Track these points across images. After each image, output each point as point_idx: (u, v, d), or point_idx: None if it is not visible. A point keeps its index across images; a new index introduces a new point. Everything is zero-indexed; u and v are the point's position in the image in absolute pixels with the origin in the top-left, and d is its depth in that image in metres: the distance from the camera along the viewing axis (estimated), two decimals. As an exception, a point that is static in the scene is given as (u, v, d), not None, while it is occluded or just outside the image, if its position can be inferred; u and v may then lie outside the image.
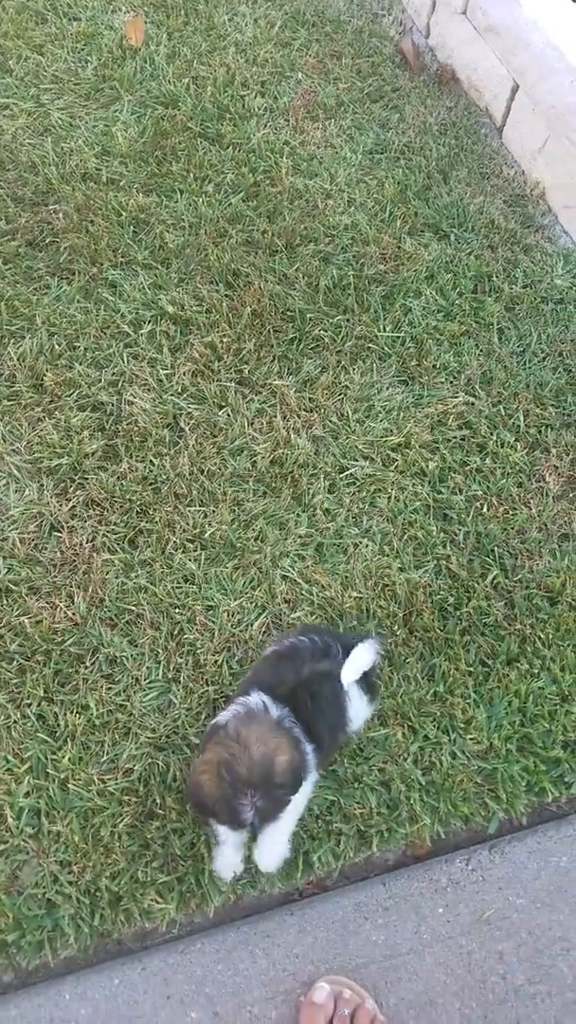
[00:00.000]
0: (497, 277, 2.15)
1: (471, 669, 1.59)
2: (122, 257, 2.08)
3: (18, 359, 1.89)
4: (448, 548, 1.72)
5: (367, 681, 1.41)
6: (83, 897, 1.35)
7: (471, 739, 1.52)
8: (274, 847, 1.34)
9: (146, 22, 2.63)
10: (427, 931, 1.39)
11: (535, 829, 1.50)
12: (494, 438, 1.88)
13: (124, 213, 2.15)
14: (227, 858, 1.36)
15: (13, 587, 1.61)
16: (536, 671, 1.59)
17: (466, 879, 1.44)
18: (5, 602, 1.59)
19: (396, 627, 1.62)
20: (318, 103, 2.47)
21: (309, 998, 1.31)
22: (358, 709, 1.39)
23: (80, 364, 1.90)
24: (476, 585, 1.68)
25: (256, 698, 1.25)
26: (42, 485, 1.74)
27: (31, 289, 2.01)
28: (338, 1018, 1.28)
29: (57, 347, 1.92)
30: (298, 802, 1.28)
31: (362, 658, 1.33)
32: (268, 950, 1.37)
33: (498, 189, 2.35)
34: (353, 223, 2.20)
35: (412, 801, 1.46)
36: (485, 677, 1.59)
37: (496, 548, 1.73)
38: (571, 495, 1.82)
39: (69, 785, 1.43)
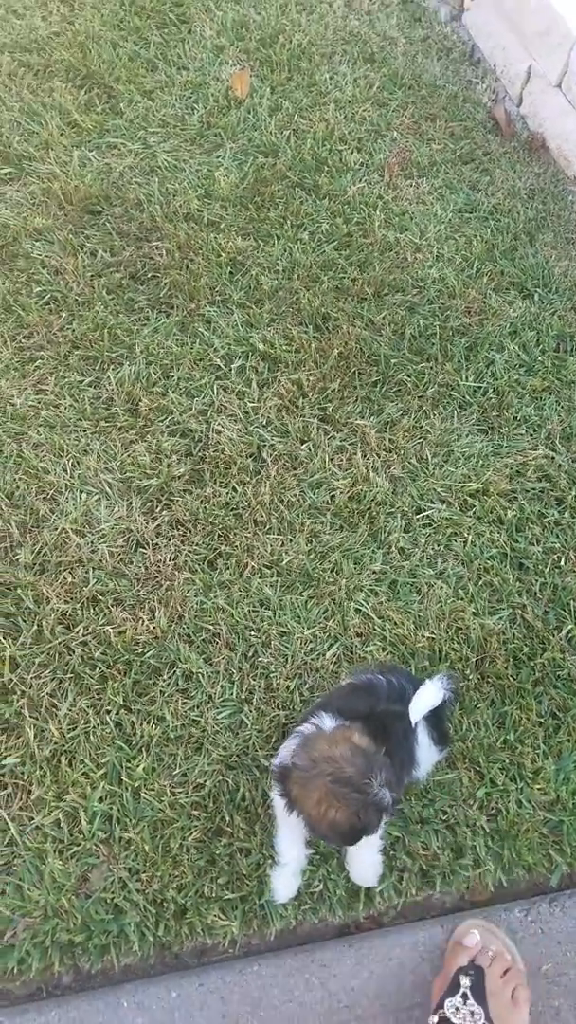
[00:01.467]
0: (579, 337, 2.20)
1: (542, 720, 1.60)
2: (218, 295, 2.19)
3: (116, 384, 1.98)
4: (523, 597, 1.75)
5: (438, 727, 1.44)
6: (149, 906, 1.39)
7: (539, 789, 1.53)
8: (371, 860, 1.36)
9: (251, 75, 2.77)
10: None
11: (597, 886, 1.49)
12: (573, 493, 1.91)
13: (223, 254, 2.25)
14: (286, 880, 1.38)
15: (100, 597, 1.67)
16: (606, 726, 1.60)
17: (525, 930, 1.44)
18: (92, 611, 1.66)
19: (468, 671, 1.64)
20: (412, 162, 2.58)
21: (458, 940, 1.35)
22: (426, 753, 1.41)
23: (173, 392, 1.99)
24: (551, 637, 1.70)
25: (310, 724, 1.27)
26: (131, 503, 1.81)
27: (132, 319, 2.12)
28: (482, 956, 1.31)
29: (153, 375, 2.01)
30: None
31: (430, 694, 1.36)
32: (325, 980, 1.38)
33: (583, 254, 2.43)
34: (440, 277, 2.28)
35: (476, 846, 1.47)
36: (556, 729, 1.60)
37: (573, 602, 1.75)
38: None
39: (142, 794, 1.47)
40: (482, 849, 1.47)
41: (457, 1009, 1.21)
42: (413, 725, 1.36)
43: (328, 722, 1.26)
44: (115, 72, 2.72)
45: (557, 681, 1.65)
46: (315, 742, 1.21)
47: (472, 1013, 1.21)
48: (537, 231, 2.44)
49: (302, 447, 1.94)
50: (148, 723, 1.54)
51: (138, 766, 1.49)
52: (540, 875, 1.48)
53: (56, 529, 1.74)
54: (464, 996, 1.23)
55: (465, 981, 1.25)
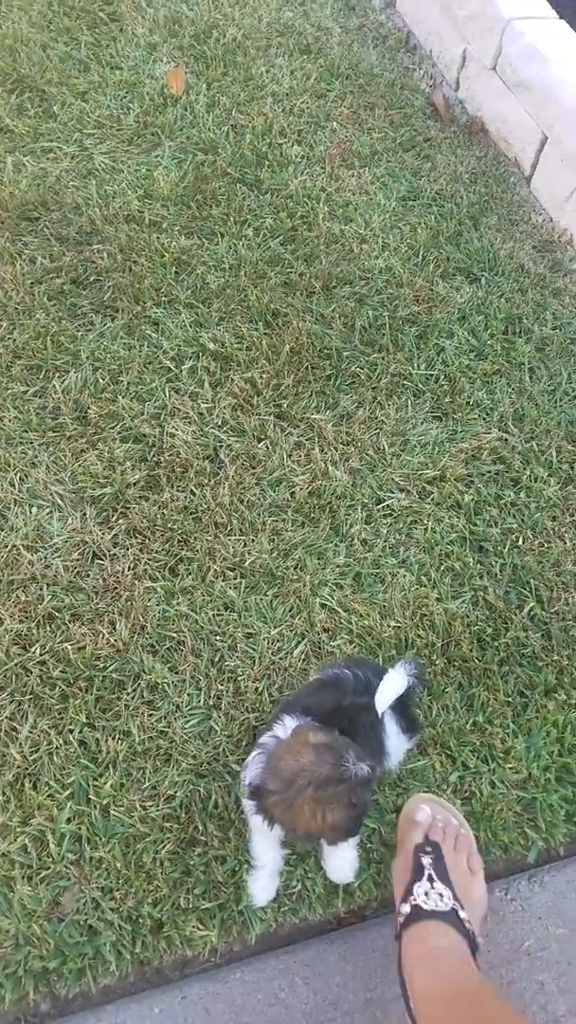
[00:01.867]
0: (527, 319, 2.21)
1: (509, 699, 1.60)
2: (164, 296, 2.16)
3: (63, 392, 1.95)
4: (485, 579, 1.75)
5: (406, 715, 1.43)
6: (125, 924, 1.36)
7: (510, 768, 1.53)
8: (346, 856, 1.35)
9: (186, 72, 2.74)
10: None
11: (574, 859, 1.50)
12: (528, 473, 1.92)
13: (166, 254, 2.23)
14: (263, 883, 1.37)
15: (56, 614, 1.64)
16: (573, 702, 1.60)
17: (505, 908, 1.44)
18: (48, 629, 1.62)
19: (435, 657, 1.64)
20: (353, 152, 2.56)
21: (410, 816, 1.37)
22: (395, 742, 1.40)
23: (123, 397, 1.95)
24: (513, 616, 1.70)
25: (276, 732, 1.26)
26: (85, 514, 1.78)
27: (76, 325, 2.08)
28: (434, 830, 1.33)
29: (101, 381, 1.98)
30: None
31: (394, 683, 1.35)
32: (309, 979, 1.36)
33: (527, 235, 2.43)
34: (387, 266, 2.27)
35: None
36: (523, 707, 1.60)
37: (532, 580, 1.75)
38: (607, 530, 1.86)
39: (111, 811, 1.44)
40: (459, 835, 1.46)
41: (427, 894, 1.23)
42: (380, 716, 1.35)
43: (289, 722, 1.26)
44: (46, 75, 2.67)
45: (522, 659, 1.65)
46: (279, 760, 1.19)
47: (441, 895, 1.23)
48: (481, 215, 2.45)
49: (259, 445, 1.92)
50: (114, 739, 1.51)
51: (105, 783, 1.46)
52: (517, 853, 1.48)
53: (6, 547, 1.70)
54: (430, 878, 1.25)
55: (427, 861, 1.27)
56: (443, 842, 1.33)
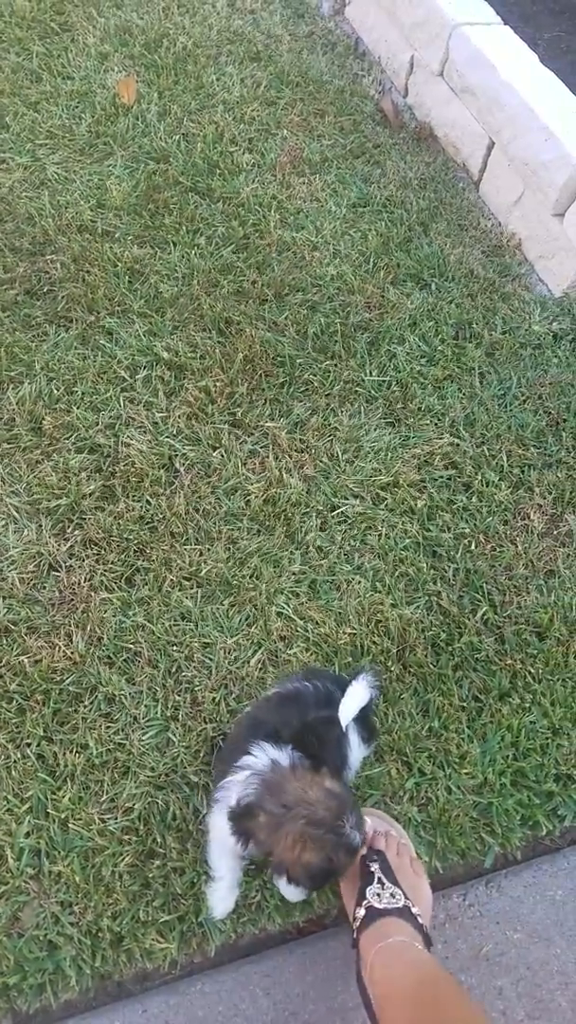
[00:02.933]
0: (477, 324, 2.24)
1: (464, 704, 1.62)
2: (118, 306, 2.15)
3: (17, 403, 1.93)
4: (439, 584, 1.77)
5: (366, 724, 1.44)
6: (84, 938, 1.35)
7: (466, 774, 1.55)
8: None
9: (137, 81, 2.74)
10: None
11: (530, 863, 1.52)
12: (479, 478, 1.94)
13: (119, 264, 2.22)
14: (222, 895, 1.36)
15: (12, 627, 1.62)
16: (527, 705, 1.63)
17: (463, 914, 1.46)
18: (4, 642, 1.61)
19: (390, 663, 1.65)
20: (303, 159, 2.58)
21: None
22: (355, 752, 1.41)
23: (78, 408, 1.95)
24: (467, 621, 1.72)
25: (260, 757, 1.26)
26: (40, 525, 1.77)
27: (30, 336, 2.07)
28: (376, 840, 1.36)
29: (55, 392, 1.97)
30: None
31: (358, 695, 1.36)
32: (269, 989, 1.37)
33: (476, 240, 2.46)
34: (339, 273, 2.29)
35: (409, 838, 1.48)
36: (478, 712, 1.62)
37: (485, 584, 1.78)
38: (555, 532, 1.89)
39: (69, 825, 1.43)
40: (414, 841, 1.47)
41: (378, 895, 1.26)
42: (344, 728, 1.36)
43: (276, 753, 1.26)
44: (-2, 85, 2.65)
45: (476, 664, 1.67)
46: (284, 784, 1.20)
47: (393, 895, 1.26)
48: (430, 220, 2.47)
49: (214, 454, 1.92)
50: (71, 752, 1.50)
51: (64, 797, 1.46)
52: (474, 858, 1.50)
53: (-40, 561, 1.69)
54: (380, 881, 1.28)
55: (374, 867, 1.30)
56: (386, 849, 1.35)
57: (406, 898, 1.26)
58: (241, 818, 1.22)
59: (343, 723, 1.34)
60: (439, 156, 2.69)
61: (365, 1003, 1.18)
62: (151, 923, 1.37)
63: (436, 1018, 1.08)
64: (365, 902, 1.26)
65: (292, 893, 1.38)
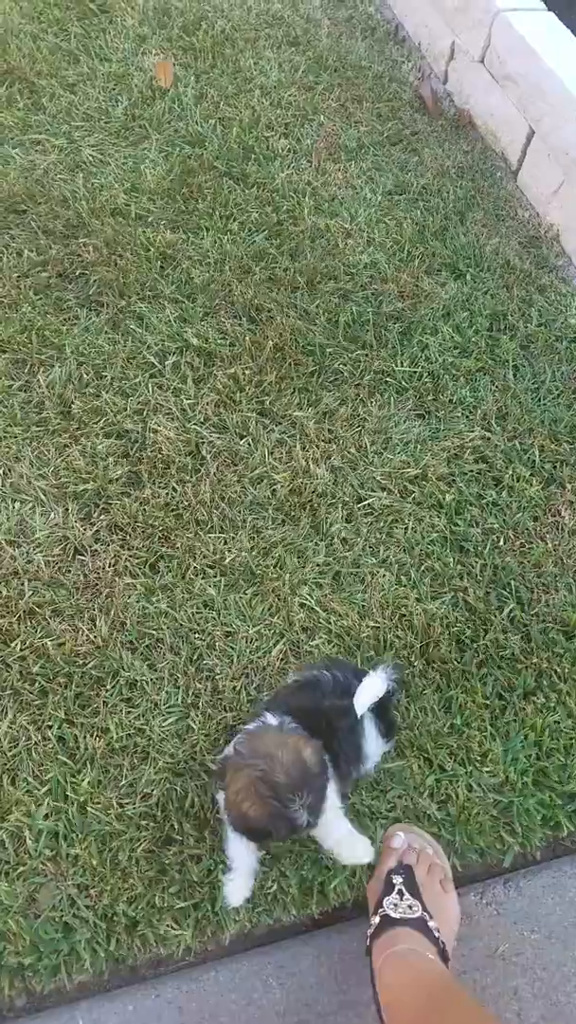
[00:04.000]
0: (512, 316, 2.20)
1: (488, 702, 1.60)
2: (149, 291, 2.14)
3: (47, 387, 1.94)
4: (465, 580, 1.75)
5: (384, 718, 1.43)
6: (100, 921, 1.36)
7: (487, 772, 1.53)
8: (353, 839, 1.34)
9: (175, 64, 2.72)
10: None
11: (550, 864, 1.50)
12: (510, 472, 1.91)
13: (152, 248, 2.21)
14: (238, 884, 1.36)
15: (37, 609, 1.63)
16: (552, 705, 1.60)
17: (480, 913, 1.44)
18: (29, 624, 1.61)
19: (413, 658, 1.63)
20: (339, 145, 2.55)
21: (387, 843, 1.40)
22: (373, 745, 1.40)
23: (107, 393, 1.94)
24: (493, 618, 1.70)
25: (257, 722, 1.27)
26: (67, 509, 1.77)
27: (61, 319, 2.07)
28: (408, 855, 1.36)
29: (85, 376, 1.97)
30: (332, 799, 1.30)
31: (374, 686, 1.35)
32: (282, 980, 1.36)
33: (513, 231, 2.42)
34: (372, 262, 2.26)
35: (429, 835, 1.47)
36: (502, 710, 1.60)
37: (512, 581, 1.75)
38: (587, 531, 1.85)
39: (88, 808, 1.44)
40: (433, 837, 1.46)
41: (395, 905, 1.26)
42: (359, 718, 1.35)
43: (271, 719, 1.26)
44: (36, 66, 2.65)
45: (501, 662, 1.65)
46: (264, 736, 1.20)
47: (410, 906, 1.25)
48: (467, 210, 2.43)
49: (241, 442, 1.91)
50: (92, 735, 1.51)
51: (83, 780, 1.46)
52: (493, 857, 1.48)
53: (-13, 542, 1.70)
54: (400, 893, 1.28)
55: (397, 880, 1.30)
56: (416, 865, 1.34)
57: (424, 910, 1.25)
58: (221, 775, 1.23)
59: (358, 712, 1.33)
60: (477, 145, 2.64)
61: (376, 1007, 1.18)
62: (166, 909, 1.38)
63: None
64: (380, 911, 1.26)
65: (355, 853, 1.34)
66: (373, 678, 1.36)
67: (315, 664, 1.53)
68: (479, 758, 1.54)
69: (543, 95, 2.27)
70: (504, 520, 1.84)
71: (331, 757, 1.30)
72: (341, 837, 1.33)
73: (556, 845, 1.53)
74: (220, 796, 1.30)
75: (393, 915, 1.24)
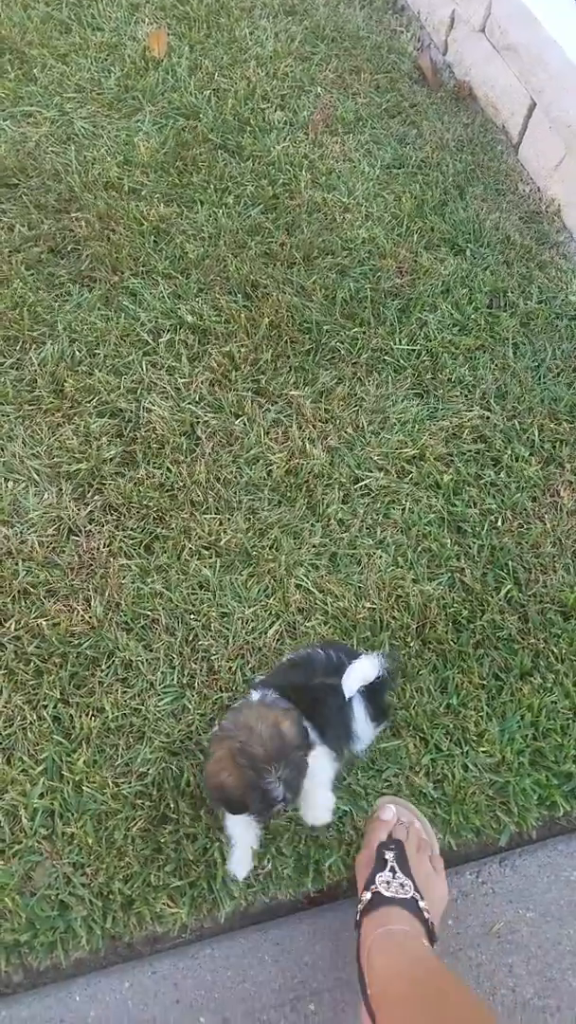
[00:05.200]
0: (512, 292, 2.17)
1: (484, 682, 1.60)
2: (143, 266, 2.11)
3: (39, 364, 1.91)
4: (462, 561, 1.73)
5: (375, 702, 1.42)
6: (96, 899, 1.36)
7: (483, 752, 1.53)
8: (322, 799, 1.33)
9: (169, 34, 2.66)
10: (437, 944, 1.39)
11: (545, 843, 1.50)
12: (508, 452, 1.89)
13: (145, 223, 2.17)
14: (239, 856, 1.37)
15: (32, 589, 1.62)
16: (549, 685, 1.60)
17: (476, 891, 1.45)
18: (24, 604, 1.60)
19: (409, 639, 1.63)
20: (337, 117, 2.50)
21: (377, 815, 1.39)
22: (363, 727, 1.40)
23: (100, 371, 1.92)
24: (490, 598, 1.69)
25: (246, 698, 1.28)
26: (61, 489, 1.75)
27: (53, 295, 2.04)
28: (398, 829, 1.35)
29: (78, 353, 1.94)
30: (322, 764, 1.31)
31: (363, 668, 1.35)
32: (278, 957, 1.37)
33: (514, 205, 2.38)
34: (370, 237, 2.22)
35: (423, 813, 1.47)
36: (498, 690, 1.60)
37: (510, 562, 1.74)
38: (585, 511, 1.84)
39: (83, 787, 1.44)
40: (428, 816, 1.46)
41: (388, 883, 1.25)
42: (348, 699, 1.34)
43: (254, 695, 1.27)
44: (27, 36, 2.60)
45: (498, 642, 1.64)
46: (246, 710, 1.22)
47: (402, 885, 1.25)
48: (467, 184, 2.39)
49: (237, 422, 1.89)
50: (87, 715, 1.50)
51: (79, 759, 1.46)
52: (489, 836, 1.49)
53: (-20, 522, 1.68)
54: (392, 870, 1.27)
55: (389, 855, 1.29)
56: (406, 841, 1.33)
57: (415, 890, 1.25)
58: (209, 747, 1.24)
59: (346, 693, 1.33)
60: (478, 117, 2.59)
61: (361, 984, 1.18)
62: (162, 887, 1.38)
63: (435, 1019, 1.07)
64: (372, 887, 1.25)
65: (317, 814, 1.34)
66: (364, 660, 1.36)
67: (311, 644, 1.53)
68: (475, 738, 1.54)
69: (545, 65, 2.22)
70: (502, 500, 1.83)
71: (319, 731, 1.31)
72: (314, 798, 1.33)
73: (552, 824, 1.53)
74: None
75: (385, 893, 1.23)
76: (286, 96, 2.53)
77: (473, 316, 2.11)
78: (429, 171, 2.40)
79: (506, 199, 2.39)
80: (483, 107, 2.59)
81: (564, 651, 1.63)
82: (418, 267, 2.18)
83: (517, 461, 1.88)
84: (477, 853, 1.49)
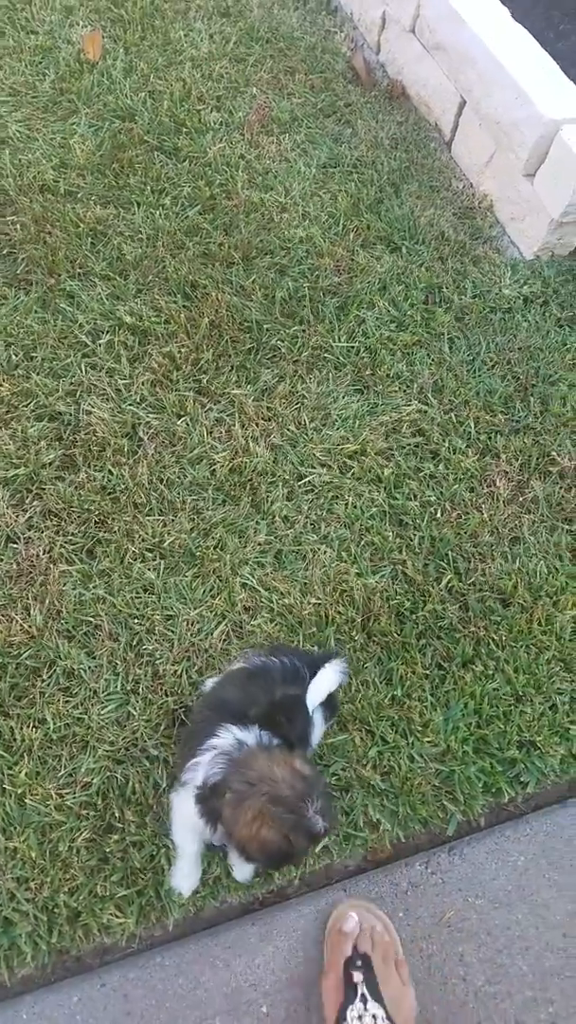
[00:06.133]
0: (447, 288, 2.19)
1: (428, 672, 1.61)
2: (80, 268, 2.08)
3: (-28, 370, 1.87)
4: (404, 553, 1.74)
5: (330, 704, 1.41)
6: (40, 914, 1.33)
7: (428, 742, 1.53)
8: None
9: (103, 36, 2.64)
10: (388, 935, 1.39)
11: (493, 830, 1.51)
12: (446, 445, 1.91)
13: (82, 225, 2.15)
14: (186, 871, 1.35)
15: (-33, 600, 1.58)
16: (491, 672, 1.61)
17: (426, 882, 1.45)
18: (-41, 616, 1.57)
19: (354, 632, 1.63)
20: (272, 118, 2.50)
21: (338, 926, 1.32)
22: (318, 731, 1.39)
23: (37, 374, 1.89)
24: (431, 589, 1.70)
25: (227, 738, 1.22)
26: (-3, 496, 1.72)
27: (-13, 300, 2.00)
28: (363, 939, 1.29)
29: (14, 357, 1.91)
30: None
31: (328, 680, 1.34)
32: (229, 961, 1.36)
33: (448, 202, 2.40)
34: (308, 236, 2.22)
35: (371, 806, 1.47)
36: (441, 680, 1.60)
37: (450, 552, 1.75)
38: (520, 499, 1.86)
39: (26, 800, 1.41)
40: (377, 809, 1.46)
41: (360, 1017, 1.20)
42: (311, 711, 1.33)
43: (242, 734, 1.22)
44: (-43, 39, 2.55)
45: (440, 632, 1.65)
46: (252, 762, 1.16)
47: (375, 1017, 1.20)
48: (402, 181, 2.41)
49: (179, 422, 1.88)
50: (28, 726, 1.47)
51: (20, 772, 1.43)
52: (436, 826, 1.49)
53: None
54: (363, 999, 1.22)
55: (358, 977, 1.24)
56: (373, 952, 1.28)
57: (387, 1018, 1.20)
58: (208, 799, 1.19)
59: (310, 706, 1.32)
60: (411, 115, 2.61)
61: None
62: (109, 898, 1.36)
63: None
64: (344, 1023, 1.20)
65: (242, 872, 1.37)
66: (328, 672, 1.35)
67: (257, 650, 1.50)
68: (420, 728, 1.54)
69: (472, 63, 2.25)
70: (441, 492, 1.84)
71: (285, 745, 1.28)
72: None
73: (499, 811, 1.54)
74: (179, 796, 1.27)
75: None
76: (221, 97, 2.53)
77: (410, 312, 2.12)
78: (364, 169, 2.41)
79: (440, 196, 2.41)
80: (416, 105, 2.62)
81: (504, 638, 1.65)
82: (355, 265, 2.19)
83: (455, 453, 1.90)
84: (426, 843, 1.49)
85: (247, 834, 1.13)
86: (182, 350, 1.97)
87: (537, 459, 1.92)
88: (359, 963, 1.26)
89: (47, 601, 1.61)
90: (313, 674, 1.34)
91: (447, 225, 2.32)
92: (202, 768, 1.21)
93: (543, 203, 2.15)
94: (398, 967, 1.29)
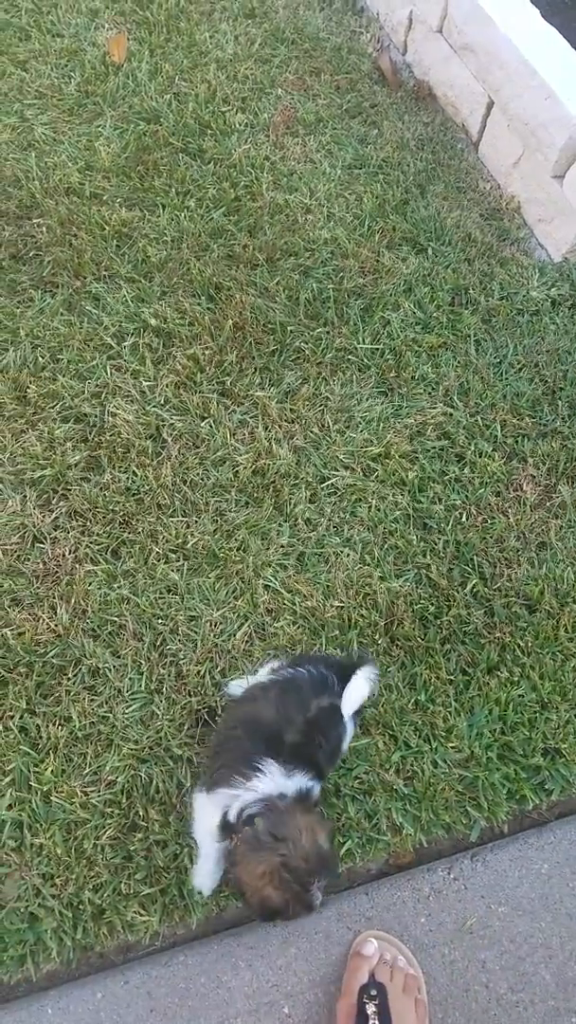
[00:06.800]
0: (474, 290, 2.18)
1: (452, 678, 1.60)
2: (105, 271, 2.10)
3: (1, 371, 1.89)
4: (428, 557, 1.74)
5: (360, 709, 1.41)
6: (66, 910, 1.35)
7: (452, 747, 1.53)
8: None
9: (129, 39, 2.65)
10: (410, 941, 1.39)
11: (516, 837, 1.51)
12: (472, 448, 1.90)
13: (107, 227, 2.16)
14: (208, 870, 1.35)
15: (-5, 599, 1.60)
16: (516, 679, 1.60)
17: (448, 888, 1.45)
18: (-13, 614, 1.59)
19: (377, 636, 1.63)
20: (298, 119, 2.50)
21: (357, 949, 1.34)
22: (349, 735, 1.39)
23: (63, 376, 1.90)
24: (456, 594, 1.69)
25: (268, 784, 1.22)
26: (25, 496, 1.74)
27: (15, 302, 2.02)
28: (380, 968, 1.29)
29: (40, 359, 1.93)
30: None
31: (361, 689, 1.35)
32: (251, 962, 1.37)
33: (474, 203, 2.39)
34: (332, 237, 2.22)
35: (394, 811, 1.47)
36: (466, 685, 1.60)
37: (475, 557, 1.74)
38: (547, 504, 1.85)
39: (52, 798, 1.42)
40: (399, 814, 1.46)
41: None
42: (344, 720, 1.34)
43: (284, 782, 1.22)
44: (-16, 42, 2.57)
45: (464, 637, 1.65)
46: (286, 819, 1.18)
47: None
48: (428, 182, 2.40)
49: (202, 424, 1.88)
50: (54, 725, 1.49)
51: (46, 769, 1.45)
52: (459, 832, 1.49)
53: (-58, 531, 1.66)
54: None
55: (371, 1009, 1.23)
56: (389, 983, 1.27)
57: None
58: (234, 828, 1.21)
59: (345, 715, 1.32)
60: (437, 116, 2.60)
61: None
62: (133, 896, 1.37)
63: None
64: None
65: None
66: (360, 681, 1.34)
67: (288, 660, 1.49)
68: (444, 734, 1.54)
69: (501, 64, 2.23)
70: (467, 496, 1.84)
71: (317, 759, 1.28)
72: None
73: (522, 818, 1.54)
74: (198, 796, 1.30)
75: None
76: (247, 99, 2.53)
77: (435, 314, 2.11)
78: (390, 170, 2.41)
79: (467, 197, 2.40)
80: (442, 106, 2.61)
81: (530, 644, 1.64)
82: (380, 266, 2.18)
83: (481, 457, 1.89)
84: (449, 849, 1.49)
85: (253, 885, 1.16)
86: (206, 352, 1.98)
87: (565, 463, 1.90)
88: (374, 992, 1.25)
89: (73, 600, 1.62)
90: (341, 679, 1.35)
91: (474, 226, 2.31)
92: (240, 801, 1.22)
93: (572, 205, 2.13)
94: (416, 1005, 1.28)
